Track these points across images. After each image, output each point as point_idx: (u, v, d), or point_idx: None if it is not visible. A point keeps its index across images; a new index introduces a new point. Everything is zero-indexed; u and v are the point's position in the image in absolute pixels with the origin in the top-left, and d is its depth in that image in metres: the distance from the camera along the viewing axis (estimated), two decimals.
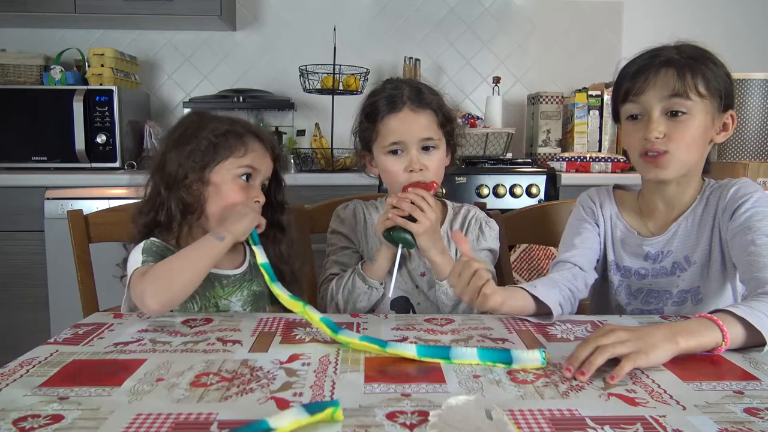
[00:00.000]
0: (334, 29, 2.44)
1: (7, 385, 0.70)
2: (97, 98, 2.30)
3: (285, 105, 2.63)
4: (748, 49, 2.75)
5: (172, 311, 1.05)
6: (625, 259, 1.16)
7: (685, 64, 1.02)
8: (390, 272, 1.14)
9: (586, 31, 2.84)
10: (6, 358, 0.78)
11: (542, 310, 0.98)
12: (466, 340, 0.88)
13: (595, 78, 2.70)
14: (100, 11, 2.41)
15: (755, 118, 2.31)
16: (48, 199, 2.14)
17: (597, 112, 2.57)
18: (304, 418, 0.59)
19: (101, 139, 2.30)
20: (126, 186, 2.13)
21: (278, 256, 1.16)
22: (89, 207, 1.57)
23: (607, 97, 2.51)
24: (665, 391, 0.69)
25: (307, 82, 2.47)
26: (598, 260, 1.17)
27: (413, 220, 1.08)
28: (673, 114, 1.02)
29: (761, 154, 2.33)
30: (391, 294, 1.11)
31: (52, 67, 2.41)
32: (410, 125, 1.15)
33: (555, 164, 2.39)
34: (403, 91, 1.17)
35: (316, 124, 2.60)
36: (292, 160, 2.35)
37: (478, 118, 2.67)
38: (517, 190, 2.26)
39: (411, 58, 2.67)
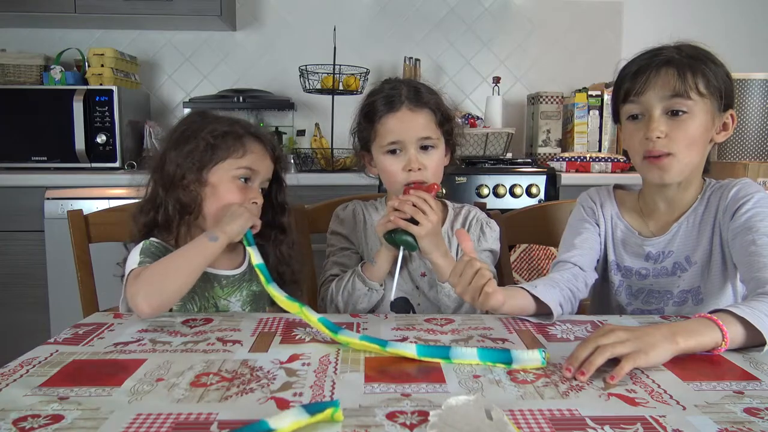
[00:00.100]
0: (334, 29, 2.44)
1: (7, 385, 0.70)
2: (97, 98, 2.30)
3: (285, 105, 2.63)
4: (748, 49, 2.75)
5: (171, 311, 1.05)
6: (626, 260, 1.16)
7: (686, 64, 1.02)
8: (391, 274, 1.14)
9: (586, 31, 2.84)
10: (6, 358, 0.78)
11: (543, 310, 0.98)
12: (466, 340, 0.88)
13: (595, 78, 2.70)
14: (100, 11, 2.41)
15: (755, 118, 2.31)
16: (48, 199, 2.14)
17: (597, 112, 2.57)
18: (304, 419, 0.59)
19: (101, 139, 2.30)
20: (126, 186, 2.12)
21: (279, 257, 1.15)
22: (89, 207, 1.57)
23: (607, 97, 2.51)
24: (665, 391, 0.69)
25: (307, 82, 2.47)
26: (598, 260, 1.17)
27: (415, 222, 1.08)
28: (673, 113, 1.02)
29: (761, 154, 2.33)
30: (393, 296, 1.10)
31: (52, 67, 2.41)
32: (408, 125, 1.15)
33: (555, 164, 2.39)
34: (401, 91, 1.17)
35: (316, 124, 2.60)
36: (292, 160, 2.35)
37: (478, 118, 2.67)
38: (517, 190, 2.26)
39: (411, 58, 2.67)
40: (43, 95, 2.32)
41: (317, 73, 2.46)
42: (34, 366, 0.76)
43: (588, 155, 2.38)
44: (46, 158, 2.31)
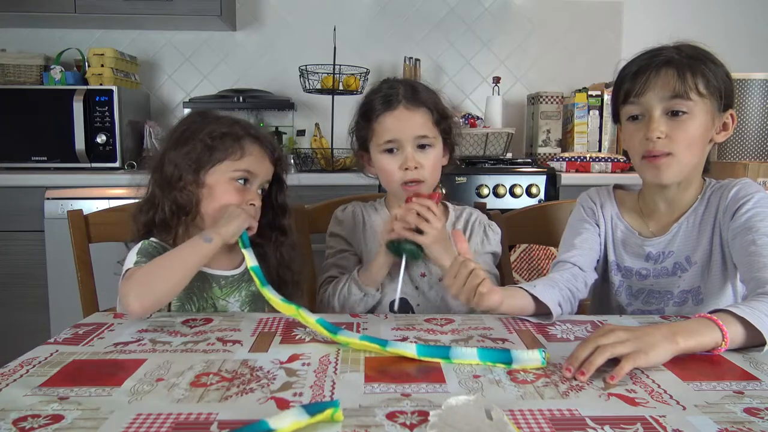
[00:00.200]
0: (334, 29, 2.44)
1: (7, 385, 0.70)
2: (97, 98, 2.30)
3: (285, 105, 2.63)
4: (748, 49, 2.75)
5: (169, 310, 1.05)
6: (626, 260, 1.16)
7: (685, 64, 1.02)
8: (390, 276, 1.14)
9: (586, 31, 2.84)
10: (6, 358, 0.78)
11: (542, 310, 0.98)
12: (466, 340, 0.88)
13: (595, 78, 2.70)
14: (100, 11, 2.41)
15: (755, 118, 2.31)
16: (48, 199, 2.14)
17: (597, 112, 2.57)
18: (304, 419, 0.59)
19: (101, 139, 2.30)
20: (126, 186, 2.13)
21: (279, 259, 1.15)
22: (89, 207, 1.58)
23: (607, 97, 2.51)
24: (665, 391, 0.69)
25: (307, 82, 2.47)
26: (598, 260, 1.17)
27: (419, 231, 1.08)
28: (673, 114, 1.02)
29: (761, 154, 2.33)
30: (396, 306, 1.10)
31: (52, 67, 2.41)
32: (405, 123, 1.15)
33: (555, 164, 2.39)
34: (398, 90, 1.18)
35: (316, 124, 2.60)
36: (292, 161, 2.35)
37: (478, 118, 2.67)
38: (517, 190, 2.26)
39: (411, 58, 2.67)
40: (43, 95, 2.32)
41: (317, 73, 2.46)
42: (34, 366, 0.76)
43: (588, 155, 2.38)
44: (46, 158, 2.31)
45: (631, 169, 2.31)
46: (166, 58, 2.79)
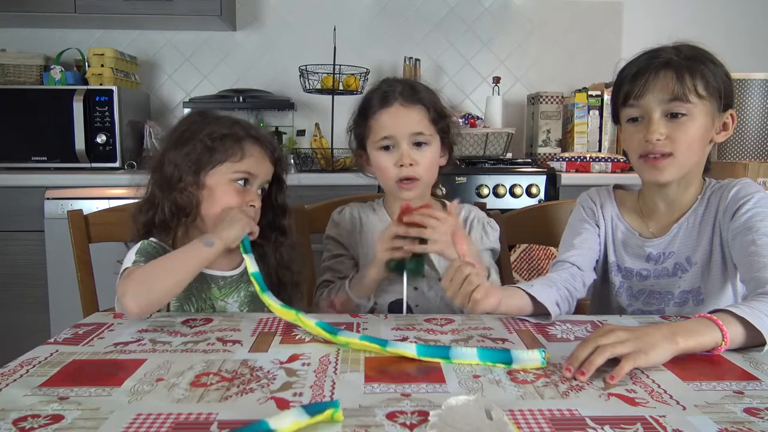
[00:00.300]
0: (334, 29, 2.44)
1: (7, 385, 0.70)
2: (97, 98, 2.30)
3: (285, 105, 2.63)
4: (748, 49, 2.75)
5: (168, 311, 1.05)
6: (627, 261, 1.15)
7: (684, 66, 1.02)
8: (389, 279, 1.15)
9: (586, 31, 2.84)
10: (6, 358, 0.78)
11: (540, 310, 0.98)
12: (466, 340, 0.88)
13: (595, 78, 2.70)
14: (100, 11, 2.41)
15: (755, 118, 2.31)
16: (48, 199, 2.14)
17: (597, 112, 2.57)
18: (304, 420, 0.59)
19: (101, 139, 2.30)
20: (126, 186, 2.12)
21: (278, 260, 1.15)
22: (89, 207, 1.57)
23: (607, 97, 2.51)
24: (665, 391, 0.69)
25: (307, 82, 2.47)
26: (597, 261, 1.17)
27: (423, 241, 1.06)
28: (673, 116, 1.02)
29: (761, 154, 2.33)
30: (404, 311, 1.10)
31: (52, 67, 2.41)
32: (401, 120, 1.15)
33: (555, 164, 2.38)
34: (395, 88, 1.18)
35: (316, 124, 2.60)
36: (292, 161, 2.35)
37: (478, 118, 2.67)
38: (517, 190, 2.26)
39: (411, 58, 2.67)
40: (43, 95, 2.32)
41: (317, 73, 2.46)
42: (34, 366, 0.76)
43: (588, 155, 2.38)
44: (46, 158, 2.31)
45: (631, 169, 2.31)
46: (166, 58, 2.79)
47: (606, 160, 2.36)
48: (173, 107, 2.80)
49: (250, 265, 1.02)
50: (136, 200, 1.13)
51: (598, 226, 1.18)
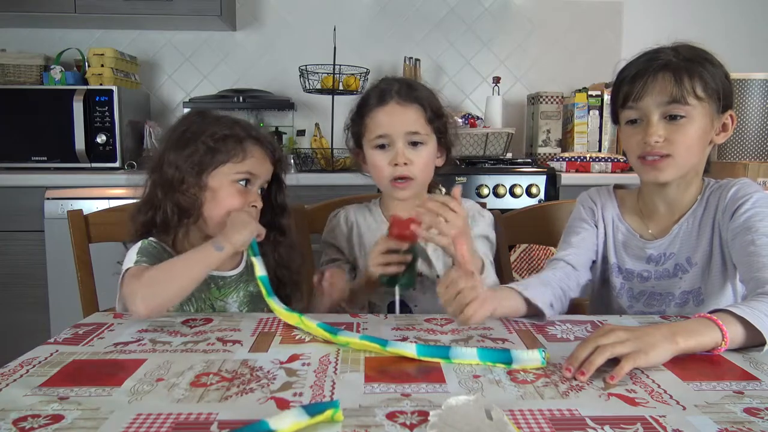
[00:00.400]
0: (334, 29, 2.44)
1: (7, 385, 0.70)
2: (97, 98, 2.30)
3: (285, 105, 2.63)
4: (748, 49, 2.75)
5: (169, 311, 1.05)
6: (627, 262, 1.15)
7: (683, 68, 1.01)
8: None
9: (586, 31, 2.84)
10: (6, 358, 0.78)
11: (534, 311, 0.97)
12: (466, 340, 0.88)
13: (595, 78, 2.70)
14: (100, 11, 2.41)
15: (755, 118, 2.31)
16: (48, 199, 2.14)
17: (597, 112, 2.57)
18: (304, 420, 0.59)
19: (101, 139, 2.30)
20: (126, 186, 2.12)
21: (277, 259, 1.15)
22: (89, 207, 1.57)
23: (607, 97, 2.51)
24: (665, 391, 0.69)
25: (307, 82, 2.47)
26: (594, 261, 1.17)
27: (414, 257, 1.06)
28: (671, 118, 1.02)
29: (761, 154, 2.33)
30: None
31: (52, 67, 2.41)
32: (396, 118, 1.15)
33: (555, 164, 2.38)
34: (393, 86, 1.17)
35: (316, 124, 2.60)
36: (292, 161, 2.35)
37: (478, 118, 2.67)
38: (517, 190, 2.26)
39: (411, 58, 2.67)
40: (43, 95, 2.32)
41: (317, 73, 2.46)
42: (34, 366, 0.76)
43: (588, 155, 2.38)
44: (46, 158, 2.31)
45: (631, 169, 2.30)
46: (166, 58, 2.79)
47: (606, 160, 2.36)
48: (173, 107, 2.80)
49: (259, 268, 1.03)
50: (136, 200, 1.13)
51: (596, 227, 1.18)
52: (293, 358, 0.80)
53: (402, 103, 1.15)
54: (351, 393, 0.68)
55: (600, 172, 2.34)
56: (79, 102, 2.28)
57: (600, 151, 2.57)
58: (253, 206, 1.09)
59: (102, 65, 2.42)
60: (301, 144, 2.67)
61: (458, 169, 2.26)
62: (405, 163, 1.14)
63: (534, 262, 2.21)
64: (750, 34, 2.84)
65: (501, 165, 2.37)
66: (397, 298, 1.09)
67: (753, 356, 0.81)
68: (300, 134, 2.73)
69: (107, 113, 2.31)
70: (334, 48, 2.38)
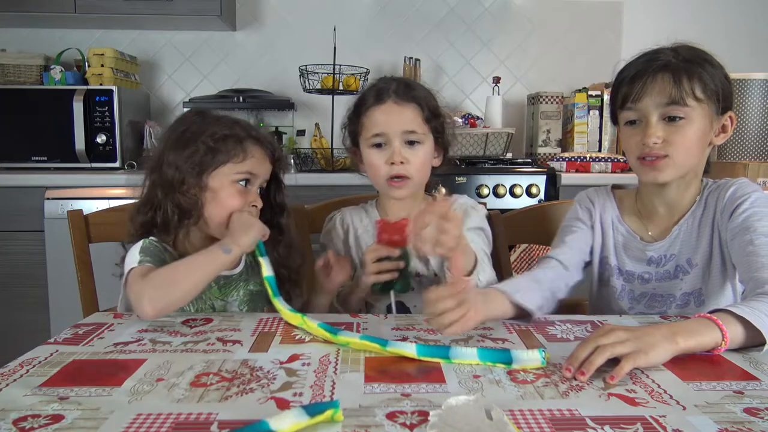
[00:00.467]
0: (334, 29, 2.44)
1: (7, 385, 0.70)
2: (97, 98, 2.30)
3: (285, 105, 2.63)
4: (748, 49, 2.75)
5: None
6: (628, 264, 1.15)
7: (682, 69, 1.01)
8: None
9: (586, 31, 2.84)
10: (6, 358, 0.78)
11: (521, 313, 0.96)
12: (466, 340, 0.88)
13: (595, 78, 2.70)
14: (100, 11, 2.41)
15: (755, 118, 2.31)
16: (48, 199, 2.14)
17: (597, 112, 2.57)
18: (304, 420, 0.59)
19: (101, 139, 2.30)
20: (126, 186, 2.12)
21: (276, 258, 1.15)
22: (89, 207, 1.57)
23: (607, 97, 2.50)
24: (665, 391, 0.69)
25: (307, 82, 2.47)
26: (588, 262, 1.16)
27: (406, 262, 1.05)
28: (670, 119, 1.02)
29: (761, 154, 2.33)
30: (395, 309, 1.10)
31: (52, 67, 2.41)
32: (393, 117, 1.14)
33: (555, 164, 2.38)
34: (390, 85, 1.16)
35: (316, 124, 2.60)
36: (292, 161, 2.35)
37: (478, 118, 2.67)
38: (517, 190, 2.26)
39: (411, 58, 2.67)
40: (43, 95, 2.32)
41: (317, 73, 2.46)
42: (34, 366, 0.76)
43: (588, 155, 2.38)
44: (46, 158, 2.31)
45: (631, 169, 2.31)
46: (166, 58, 2.78)
47: (606, 160, 2.36)
48: (173, 107, 2.80)
49: (266, 268, 1.03)
50: (135, 200, 1.13)
51: (593, 228, 1.17)
52: (293, 358, 0.80)
53: (399, 102, 1.15)
54: (351, 393, 0.68)
55: (600, 172, 2.34)
56: (79, 102, 2.28)
57: (600, 151, 2.57)
58: (253, 206, 1.09)
59: (102, 65, 2.42)
60: (301, 144, 2.67)
61: (458, 169, 2.26)
62: (401, 162, 1.14)
63: (534, 262, 2.20)
64: (750, 34, 2.84)
65: (501, 165, 2.37)
66: (393, 303, 1.09)
67: (753, 356, 0.81)
68: (300, 134, 2.73)
69: (107, 113, 2.30)
70: (334, 48, 2.38)
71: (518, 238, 1.58)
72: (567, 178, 2.28)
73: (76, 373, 0.74)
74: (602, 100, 2.56)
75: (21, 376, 0.73)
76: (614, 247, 1.16)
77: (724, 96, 1.04)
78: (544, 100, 2.62)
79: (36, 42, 2.65)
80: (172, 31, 2.75)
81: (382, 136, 1.15)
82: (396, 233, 1.08)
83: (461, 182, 2.26)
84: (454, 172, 2.24)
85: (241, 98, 2.53)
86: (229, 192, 1.07)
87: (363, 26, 2.79)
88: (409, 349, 0.79)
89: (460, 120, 2.52)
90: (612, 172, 2.34)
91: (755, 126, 2.31)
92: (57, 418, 0.62)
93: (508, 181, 2.28)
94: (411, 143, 1.15)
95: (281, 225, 1.17)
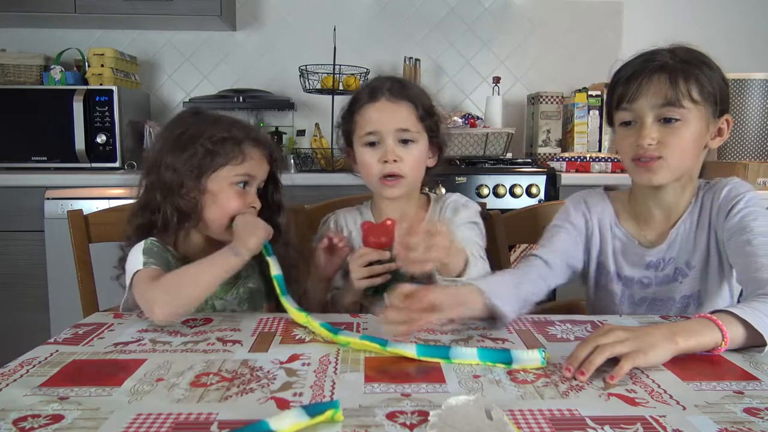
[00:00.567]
0: (334, 29, 2.44)
1: (7, 385, 0.70)
2: (97, 98, 2.30)
3: (285, 105, 2.63)
4: (748, 49, 2.75)
5: None
6: (626, 269, 1.14)
7: (679, 70, 1.00)
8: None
9: (586, 31, 2.84)
10: (6, 358, 0.78)
11: (494, 313, 0.92)
12: (466, 340, 0.88)
13: (595, 78, 2.69)
14: (100, 11, 2.41)
15: (755, 118, 2.31)
16: (48, 199, 2.14)
17: (597, 112, 2.57)
18: (304, 421, 0.59)
19: (101, 139, 2.30)
20: (126, 186, 2.12)
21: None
22: (89, 207, 1.57)
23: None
24: (665, 391, 0.69)
25: (307, 82, 2.47)
26: (579, 267, 1.14)
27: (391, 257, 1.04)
28: (666, 121, 1.01)
29: (761, 154, 2.33)
30: None
31: (52, 67, 2.41)
32: (387, 115, 1.13)
33: (555, 164, 2.39)
34: (384, 84, 1.16)
35: (316, 124, 2.60)
36: (292, 161, 2.35)
37: (478, 118, 2.67)
38: (517, 190, 2.26)
39: (411, 58, 2.67)
40: (43, 95, 2.32)
41: (317, 73, 2.46)
42: (34, 366, 0.76)
43: (588, 155, 2.38)
44: (46, 158, 2.31)
45: None
46: (166, 58, 2.79)
47: (606, 160, 2.36)
48: (173, 107, 2.80)
49: (274, 267, 1.04)
50: (133, 201, 1.13)
51: (589, 234, 1.15)
52: (293, 358, 0.80)
53: (393, 100, 1.14)
54: (351, 393, 0.68)
55: (600, 172, 2.34)
56: (79, 102, 2.28)
57: (600, 151, 2.57)
58: (252, 207, 1.09)
59: (102, 65, 2.42)
60: (301, 144, 2.67)
61: (458, 169, 2.26)
62: (394, 161, 1.13)
63: None
64: (750, 34, 2.84)
65: (501, 165, 2.37)
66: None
67: (753, 356, 0.81)
68: (300, 134, 2.73)
69: (107, 113, 2.31)
70: (334, 48, 2.38)
71: (518, 238, 1.57)
72: (567, 178, 2.28)
73: (76, 373, 0.74)
74: (602, 100, 2.56)
75: (21, 376, 0.73)
76: (612, 252, 1.15)
77: (721, 99, 1.03)
78: (544, 100, 2.62)
79: (36, 42, 2.65)
80: (172, 31, 2.75)
81: (375, 134, 1.14)
82: (383, 235, 1.07)
83: (461, 182, 2.26)
84: (454, 172, 2.24)
85: (241, 98, 2.53)
86: (228, 194, 1.07)
87: (363, 26, 2.79)
88: (409, 349, 0.79)
89: (460, 120, 2.52)
90: (612, 172, 2.34)
91: (755, 126, 2.31)
92: (57, 418, 0.62)
93: (508, 181, 2.28)
94: (405, 142, 1.14)
95: (278, 224, 1.17)
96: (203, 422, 0.61)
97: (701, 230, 1.09)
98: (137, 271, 0.99)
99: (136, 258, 1.01)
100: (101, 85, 2.37)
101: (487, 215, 1.43)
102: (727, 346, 0.80)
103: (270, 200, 1.16)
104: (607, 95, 1.10)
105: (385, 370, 0.76)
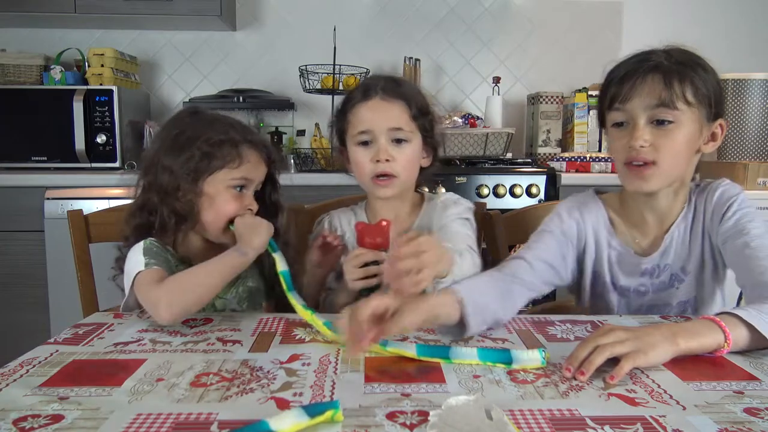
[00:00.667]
0: (334, 29, 2.44)
1: (7, 385, 0.70)
2: (97, 98, 2.30)
3: (285, 105, 2.63)
4: (748, 49, 2.75)
5: None
6: (621, 279, 1.12)
7: (674, 71, 0.98)
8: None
9: (586, 31, 2.84)
10: (6, 358, 0.78)
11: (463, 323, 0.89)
12: (466, 340, 0.88)
13: (595, 78, 2.66)
14: (100, 11, 2.41)
15: (755, 118, 2.31)
16: (48, 199, 2.14)
17: (597, 113, 2.57)
18: (304, 421, 0.59)
19: (101, 139, 2.30)
20: (126, 186, 2.12)
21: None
22: (89, 207, 1.57)
23: None
24: (665, 391, 0.69)
25: (307, 82, 2.47)
26: (558, 277, 1.10)
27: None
28: (659, 123, 0.99)
29: (761, 154, 2.33)
30: None
31: (52, 67, 2.41)
32: (380, 114, 1.13)
33: (555, 164, 2.39)
34: (378, 83, 1.15)
35: (316, 124, 2.60)
36: (292, 161, 2.35)
37: (478, 118, 2.67)
38: (517, 190, 2.26)
39: (411, 58, 2.67)
40: (43, 95, 2.32)
41: (317, 73, 2.46)
42: (34, 366, 0.76)
43: (588, 155, 2.38)
44: (46, 158, 2.31)
45: None
46: (166, 58, 2.79)
47: (606, 160, 2.36)
48: (173, 107, 2.79)
49: (280, 263, 1.03)
50: (131, 201, 1.13)
51: (582, 244, 1.12)
52: (293, 358, 0.80)
53: (386, 99, 1.13)
54: (351, 393, 0.68)
55: (600, 172, 2.34)
56: (79, 102, 2.28)
57: (600, 151, 2.56)
58: (248, 210, 1.09)
59: (102, 65, 2.42)
60: (301, 144, 2.67)
61: (458, 169, 2.26)
62: (387, 160, 1.12)
63: None
64: (750, 34, 2.84)
65: (501, 165, 2.37)
66: None
67: (754, 356, 0.81)
68: (300, 134, 2.73)
69: (107, 113, 2.30)
70: (334, 48, 2.38)
71: (518, 238, 1.57)
72: (567, 178, 2.28)
73: (76, 373, 0.74)
74: None
75: (21, 376, 0.73)
76: (608, 262, 1.12)
77: (715, 102, 1.01)
78: (544, 100, 2.62)
79: (36, 42, 2.65)
80: (172, 31, 2.75)
81: (368, 133, 1.13)
82: (378, 235, 1.07)
83: (461, 182, 2.26)
84: (454, 172, 2.24)
85: (241, 98, 2.53)
86: (224, 197, 1.06)
87: (363, 26, 2.79)
88: (409, 349, 0.79)
89: (460, 120, 2.52)
90: (612, 172, 2.34)
91: (755, 126, 2.31)
92: (57, 418, 0.62)
93: (508, 181, 2.28)
94: (398, 141, 1.14)
95: (276, 225, 1.17)
96: (203, 422, 0.61)
97: (695, 234, 1.07)
98: (139, 272, 0.99)
99: (136, 259, 1.01)
100: (101, 85, 2.37)
101: (487, 215, 1.43)
102: (730, 348, 0.80)
103: (267, 200, 1.16)
104: (599, 95, 1.08)
105: (385, 370, 0.76)
